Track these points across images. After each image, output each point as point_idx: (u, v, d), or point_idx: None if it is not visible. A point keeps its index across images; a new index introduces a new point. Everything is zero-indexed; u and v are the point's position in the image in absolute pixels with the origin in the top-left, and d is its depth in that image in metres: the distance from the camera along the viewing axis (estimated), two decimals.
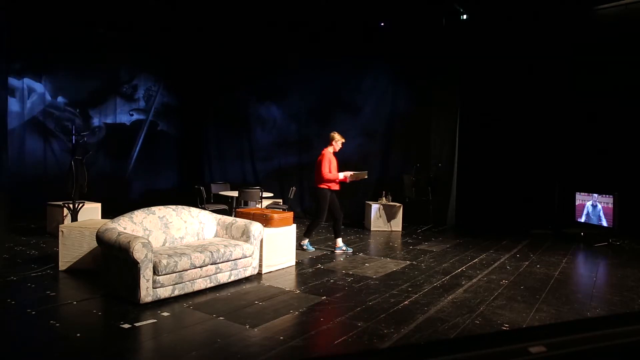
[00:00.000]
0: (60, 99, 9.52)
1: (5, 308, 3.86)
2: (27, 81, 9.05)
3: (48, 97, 9.34)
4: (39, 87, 9.20)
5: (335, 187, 6.47)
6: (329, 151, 6.46)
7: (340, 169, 6.59)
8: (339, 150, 6.55)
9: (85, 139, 6.62)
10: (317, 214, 6.52)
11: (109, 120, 10.45)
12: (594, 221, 7.88)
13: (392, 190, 9.05)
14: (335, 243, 6.60)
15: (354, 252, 6.59)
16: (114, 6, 9.39)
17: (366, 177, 6.71)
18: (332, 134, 6.57)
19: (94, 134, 9.64)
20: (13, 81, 8.81)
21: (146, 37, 10.61)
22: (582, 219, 8.11)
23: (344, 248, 6.60)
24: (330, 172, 6.32)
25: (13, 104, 8.77)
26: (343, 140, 6.55)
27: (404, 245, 7.35)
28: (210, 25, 10.51)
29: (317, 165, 6.45)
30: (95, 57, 9.91)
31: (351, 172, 6.51)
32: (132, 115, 10.84)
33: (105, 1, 9.20)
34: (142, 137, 10.97)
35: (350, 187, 9.97)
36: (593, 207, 7.86)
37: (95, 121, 10.17)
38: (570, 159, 8.59)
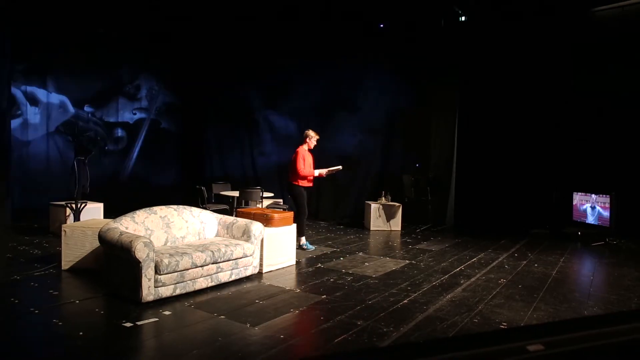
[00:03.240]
0: (87, 108, 9.88)
1: (8, 307, 3.89)
2: (30, 88, 9.08)
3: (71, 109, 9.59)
4: (41, 93, 9.24)
5: (309, 184, 6.65)
6: (303, 148, 6.62)
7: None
8: (314, 147, 6.72)
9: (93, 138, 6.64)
10: (297, 211, 6.58)
11: (112, 120, 10.48)
12: (592, 221, 7.93)
13: (391, 190, 9.07)
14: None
15: (353, 252, 6.63)
16: (114, 7, 9.41)
17: (341, 168, 6.84)
18: (306, 131, 6.74)
19: (95, 141, 9.66)
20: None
21: (147, 36, 10.63)
22: (580, 219, 8.16)
23: (306, 247, 6.64)
24: (304, 168, 6.48)
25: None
26: (317, 137, 6.72)
27: (403, 244, 7.38)
28: (211, 24, 10.52)
29: (291, 162, 6.62)
30: (98, 57, 9.93)
31: (326, 170, 6.67)
32: (135, 114, 10.89)
33: (105, 2, 9.23)
34: (142, 136, 11.01)
35: (350, 188, 10.09)
36: (592, 208, 7.91)
37: (118, 132, 10.52)
38: (568, 159, 8.63)
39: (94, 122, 9.93)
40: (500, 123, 9.17)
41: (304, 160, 6.49)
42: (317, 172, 6.59)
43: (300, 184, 6.54)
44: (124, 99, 10.68)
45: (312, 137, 6.65)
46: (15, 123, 8.75)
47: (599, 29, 8.21)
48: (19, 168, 8.75)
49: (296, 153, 6.58)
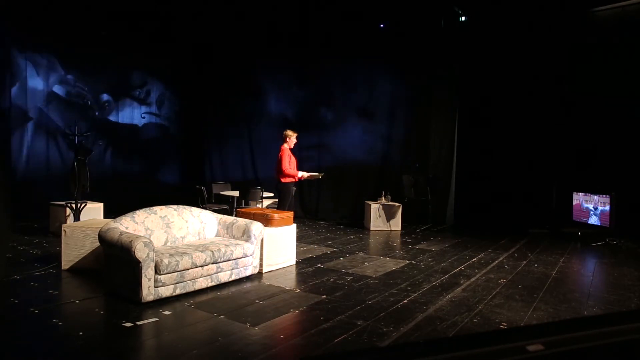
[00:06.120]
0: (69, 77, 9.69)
1: (8, 307, 3.89)
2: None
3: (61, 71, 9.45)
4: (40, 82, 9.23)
5: (294, 180, 7.01)
6: (286, 148, 6.96)
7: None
8: (294, 145, 7.08)
9: (88, 140, 6.64)
10: (279, 207, 6.93)
11: (119, 121, 10.50)
12: (591, 221, 7.93)
13: (391, 190, 9.08)
14: None
15: (353, 252, 6.63)
16: (119, 10, 9.44)
17: (320, 177, 7.38)
18: (285, 131, 7.10)
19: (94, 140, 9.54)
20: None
21: (153, 39, 10.66)
22: (580, 219, 8.16)
23: None
24: (289, 167, 6.85)
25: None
26: (296, 135, 7.08)
27: (403, 244, 7.38)
28: (214, 26, 10.55)
29: (277, 161, 6.95)
30: (106, 60, 9.98)
31: (308, 173, 7.15)
32: (144, 117, 10.95)
33: (108, 6, 9.27)
34: (146, 139, 11.07)
35: (351, 188, 10.08)
36: (594, 209, 7.91)
37: (105, 96, 10.31)
38: (567, 159, 8.63)
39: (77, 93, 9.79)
40: (500, 123, 9.17)
41: (289, 159, 6.87)
42: (300, 174, 6.97)
43: (287, 181, 6.86)
44: (131, 101, 10.72)
45: (292, 136, 7.01)
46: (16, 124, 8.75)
47: (599, 29, 8.21)
48: (19, 168, 8.74)
49: (282, 152, 6.89)
